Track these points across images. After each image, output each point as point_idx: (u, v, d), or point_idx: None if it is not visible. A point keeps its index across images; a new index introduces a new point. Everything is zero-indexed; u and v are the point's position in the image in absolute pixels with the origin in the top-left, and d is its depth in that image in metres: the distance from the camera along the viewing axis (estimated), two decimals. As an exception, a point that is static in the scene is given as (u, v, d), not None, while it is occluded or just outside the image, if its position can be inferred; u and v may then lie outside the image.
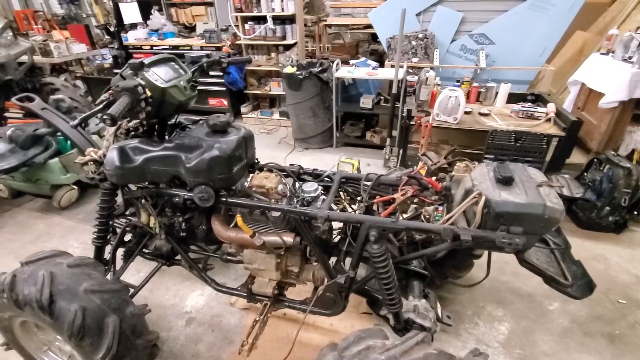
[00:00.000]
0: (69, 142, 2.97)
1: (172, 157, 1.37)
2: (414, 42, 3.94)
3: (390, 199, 1.43)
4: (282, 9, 4.30)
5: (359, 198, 1.57)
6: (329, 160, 3.94)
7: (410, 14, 3.97)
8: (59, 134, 2.84)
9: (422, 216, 1.44)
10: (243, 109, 5.03)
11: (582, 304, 2.08)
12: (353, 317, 2.02)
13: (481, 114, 3.28)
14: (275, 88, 4.80)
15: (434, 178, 1.44)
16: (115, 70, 5.00)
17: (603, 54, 3.00)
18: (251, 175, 1.59)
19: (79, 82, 5.19)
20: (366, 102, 3.91)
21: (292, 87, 3.83)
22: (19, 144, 2.69)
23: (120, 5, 4.81)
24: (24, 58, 4.04)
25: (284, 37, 4.50)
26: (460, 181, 1.41)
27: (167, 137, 1.57)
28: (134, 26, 4.91)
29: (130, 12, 4.76)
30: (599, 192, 2.61)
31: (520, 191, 1.14)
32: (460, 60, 4.10)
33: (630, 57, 2.73)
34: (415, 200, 1.45)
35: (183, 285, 2.28)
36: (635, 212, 2.61)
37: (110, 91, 1.20)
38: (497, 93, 3.50)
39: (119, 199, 1.65)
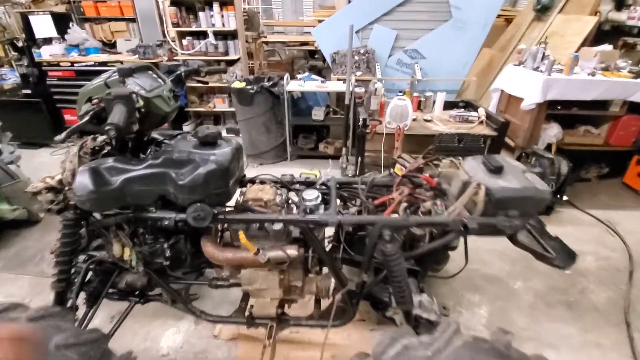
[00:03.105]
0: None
1: (159, 175, 1.22)
2: (356, 57, 4.17)
3: (389, 199, 1.47)
4: (223, 25, 4.20)
5: (354, 202, 1.58)
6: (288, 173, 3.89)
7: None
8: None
9: (419, 212, 1.50)
10: (185, 128, 4.72)
11: (538, 280, 2.36)
12: (347, 327, 1.99)
13: (426, 120, 3.58)
14: (220, 105, 4.62)
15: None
16: (25, 91, 4.30)
17: (516, 65, 3.54)
18: (241, 189, 1.50)
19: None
20: (318, 114, 3.99)
21: (243, 102, 3.73)
22: None
23: (31, 18, 4.20)
24: None
25: (226, 53, 4.39)
26: (449, 176, 1.51)
27: (141, 155, 1.39)
28: (48, 41, 4.31)
29: (43, 26, 4.18)
30: (531, 181, 3.02)
31: (512, 178, 1.27)
32: (397, 73, 4.45)
33: (537, 67, 3.27)
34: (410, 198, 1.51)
35: (152, 325, 2.00)
36: (559, 196, 3.08)
37: (94, 100, 1.03)
38: (434, 101, 3.87)
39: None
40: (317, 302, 1.62)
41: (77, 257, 1.48)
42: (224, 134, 4.74)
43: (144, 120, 1.17)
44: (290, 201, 1.50)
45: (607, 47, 3.34)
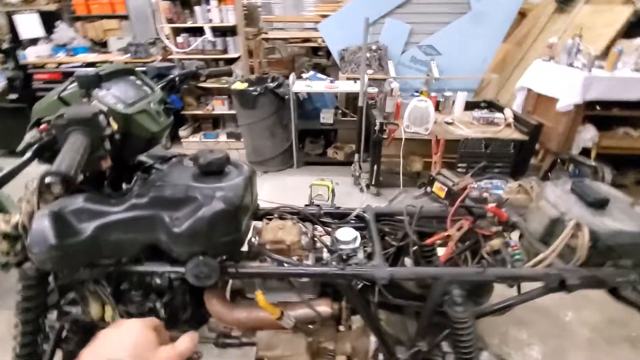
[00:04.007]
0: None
1: (145, 220, 0.90)
2: (367, 54, 3.83)
3: (444, 237, 1.15)
4: (222, 20, 3.85)
5: (393, 235, 1.26)
6: (293, 184, 3.57)
7: (359, 26, 3.87)
8: None
9: (482, 252, 1.17)
10: (182, 132, 4.38)
11: (593, 309, 2.05)
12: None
13: (447, 123, 3.25)
14: (219, 107, 4.28)
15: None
16: (11, 96, 3.94)
17: (546, 60, 3.22)
18: (254, 225, 1.17)
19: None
20: (327, 117, 3.65)
21: (245, 105, 3.39)
22: None
23: (15, 17, 3.83)
24: None
25: (225, 51, 4.04)
26: (518, 206, 1.19)
27: (124, 185, 1.06)
28: (34, 42, 3.94)
29: (29, 25, 3.81)
30: (570, 191, 2.71)
31: (620, 215, 0.95)
32: (411, 71, 4.12)
33: (571, 63, 2.95)
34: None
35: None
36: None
37: (43, 126, 0.70)
38: (453, 102, 3.55)
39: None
40: (351, 363, 1.29)
41: (45, 316, 1.15)
42: (223, 138, 4.41)
43: (122, 147, 0.84)
44: (316, 240, 1.18)
45: (648, 40, 3.02)
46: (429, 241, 1.13)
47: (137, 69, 0.98)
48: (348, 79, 3.83)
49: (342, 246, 1.06)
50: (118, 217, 0.89)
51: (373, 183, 3.26)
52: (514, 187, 1.25)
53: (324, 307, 1.07)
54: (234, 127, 4.42)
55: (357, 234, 1.08)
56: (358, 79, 3.71)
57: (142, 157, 1.14)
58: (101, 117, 0.69)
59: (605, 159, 3.03)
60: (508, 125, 3.15)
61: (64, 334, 1.23)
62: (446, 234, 1.14)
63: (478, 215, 1.20)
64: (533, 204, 1.13)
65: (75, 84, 0.74)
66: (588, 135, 3.03)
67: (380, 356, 1.19)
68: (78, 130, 0.66)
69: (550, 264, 0.95)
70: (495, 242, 1.12)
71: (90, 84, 0.73)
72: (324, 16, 4.82)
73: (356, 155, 3.45)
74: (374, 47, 3.83)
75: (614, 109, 2.88)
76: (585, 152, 3.09)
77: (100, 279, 1.02)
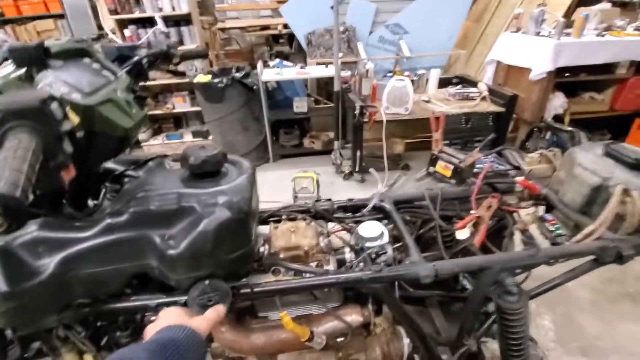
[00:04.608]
0: None
1: (128, 244, 0.69)
2: (334, 37, 3.66)
3: (474, 219, 1.03)
4: (173, 8, 3.50)
5: (414, 224, 1.13)
6: (272, 179, 3.35)
7: (324, 7, 3.68)
8: None
9: (513, 231, 1.08)
10: (141, 136, 3.98)
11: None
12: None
13: (424, 101, 3.19)
14: (180, 104, 3.93)
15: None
16: None
17: (513, 32, 3.24)
18: (259, 231, 0.99)
19: None
20: (300, 105, 3.46)
21: (211, 99, 3.11)
22: None
23: None
24: None
25: (181, 42, 3.69)
26: (542, 175, 1.11)
27: (90, 201, 0.83)
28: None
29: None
30: (550, 158, 2.76)
31: (664, 175, 0.88)
32: (380, 52, 4.01)
33: (539, 32, 2.98)
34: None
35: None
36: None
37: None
38: (427, 80, 3.50)
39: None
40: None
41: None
42: (189, 138, 4.07)
43: (86, 150, 0.63)
44: (329, 238, 1.02)
45: (605, 6, 3.12)
46: (459, 225, 1.01)
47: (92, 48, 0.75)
48: (318, 64, 3.65)
49: (369, 244, 0.91)
50: (89, 244, 0.68)
51: (357, 170, 3.14)
52: (535, 157, 1.16)
53: (355, 316, 0.92)
54: (199, 124, 4.10)
55: (383, 228, 0.93)
56: (328, 63, 3.55)
57: (109, 163, 0.91)
58: (54, 106, 0.48)
59: (576, 124, 3.13)
60: (483, 98, 3.14)
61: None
62: (476, 215, 1.03)
63: (503, 191, 1.10)
64: (561, 173, 1.04)
65: (9, 63, 0.51)
66: (558, 102, 3.10)
67: (417, 358, 1.07)
68: (21, 127, 0.44)
69: (600, 238, 0.87)
70: (528, 219, 1.03)
71: (32, 61, 0.51)
72: (281, 2, 4.56)
73: (336, 143, 3.30)
74: (341, 29, 3.67)
75: (581, 75, 2.95)
76: (557, 119, 3.17)
77: (72, 323, 0.79)
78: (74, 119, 0.52)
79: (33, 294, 0.64)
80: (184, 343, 0.54)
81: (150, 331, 0.58)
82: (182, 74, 0.91)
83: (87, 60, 0.73)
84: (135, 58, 0.89)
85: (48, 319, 0.71)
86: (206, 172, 0.77)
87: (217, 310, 0.68)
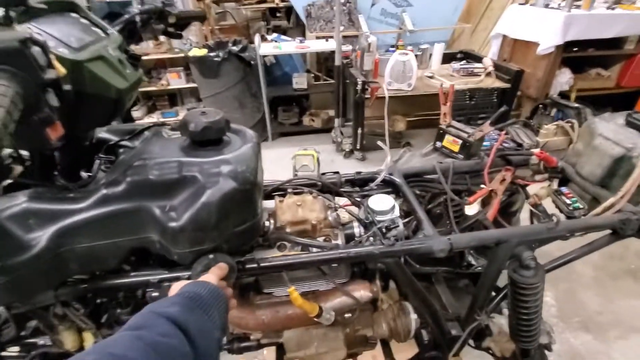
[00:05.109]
0: None
1: (126, 216, 0.64)
2: (336, 8, 3.51)
3: (487, 193, 0.99)
4: (165, -24, 3.31)
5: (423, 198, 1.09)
6: (271, 158, 3.28)
7: (324, -23, 3.51)
8: None
9: (523, 203, 1.04)
10: (135, 114, 3.87)
11: (591, 248, 2.08)
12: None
13: (428, 77, 3.10)
14: (175, 80, 3.79)
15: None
16: None
17: (521, 4, 3.12)
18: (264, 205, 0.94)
19: None
20: (300, 81, 3.35)
21: (207, 74, 3.00)
22: None
23: None
24: None
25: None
26: (558, 148, 1.06)
27: (83, 173, 0.78)
28: None
29: None
30: (555, 136, 2.71)
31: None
32: (382, 25, 3.86)
33: (548, 5, 2.86)
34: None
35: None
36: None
37: None
38: (430, 55, 3.39)
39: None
40: (386, 344, 1.15)
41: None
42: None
43: (76, 112, 0.57)
44: (337, 212, 0.97)
45: (617, -23, 2.98)
46: (471, 199, 0.97)
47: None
48: (318, 37, 3.51)
49: (380, 217, 0.87)
50: (84, 216, 0.63)
51: (357, 148, 3.08)
52: (551, 129, 1.11)
53: (363, 292, 0.89)
54: (195, 101, 3.99)
55: (394, 201, 0.89)
56: (329, 37, 3.42)
57: (102, 133, 0.85)
58: (36, 50, 0.42)
59: (581, 102, 3.07)
60: (488, 74, 3.06)
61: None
62: (488, 189, 0.99)
63: (517, 164, 1.05)
64: (579, 145, 0.99)
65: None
66: (565, 78, 3.02)
67: (425, 334, 1.06)
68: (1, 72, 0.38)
69: (621, 211, 0.83)
70: (542, 192, 0.99)
71: (12, 0, 0.43)
72: (278, -29, 4.34)
73: (336, 120, 3.22)
74: (342, 0, 3.51)
75: (589, 49, 2.86)
76: (562, 96, 3.09)
77: (70, 300, 0.76)
78: (60, 69, 0.46)
79: (25, 268, 0.59)
80: (208, 297, 0.55)
81: (173, 290, 0.58)
82: (179, 36, 0.83)
83: (74, 15, 0.65)
84: (126, 16, 0.81)
85: (43, 295, 0.68)
86: (208, 139, 0.71)
87: (220, 267, 0.66)
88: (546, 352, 1.09)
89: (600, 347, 1.56)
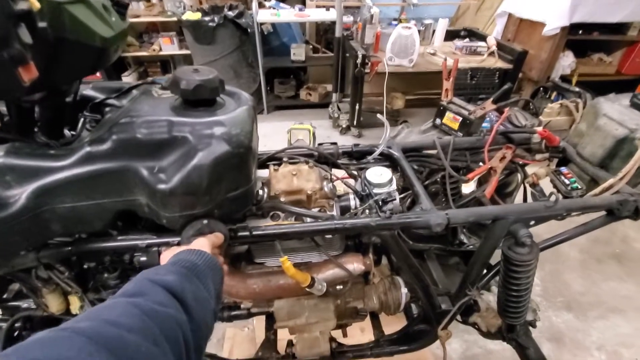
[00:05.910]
0: None
1: (111, 175, 0.61)
2: (338, -24, 3.34)
3: (487, 170, 0.97)
4: None
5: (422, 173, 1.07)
6: (265, 131, 3.21)
7: (327, -59, 3.32)
8: None
9: (521, 183, 1.03)
10: (125, 80, 3.73)
11: (579, 232, 2.12)
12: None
13: (430, 54, 3.02)
14: (168, 46, 3.63)
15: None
16: None
17: (531, -19, 3.01)
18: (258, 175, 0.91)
19: None
20: (298, 52, 3.23)
21: (201, 40, 2.87)
22: None
23: None
24: None
25: (166, -28, 3.32)
26: (559, 127, 1.04)
27: (66, 131, 0.73)
28: None
29: None
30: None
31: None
32: (385, -3, 3.71)
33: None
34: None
35: None
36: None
37: None
38: (434, 31, 3.28)
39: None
40: (375, 317, 1.17)
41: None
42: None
43: (55, 59, 0.52)
44: (333, 183, 0.95)
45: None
46: (471, 175, 0.96)
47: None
48: (318, 6, 3.37)
49: (377, 190, 0.85)
50: (66, 175, 0.59)
51: (354, 124, 3.03)
52: (555, 108, 1.09)
53: (357, 265, 0.88)
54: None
55: (391, 174, 0.87)
56: (330, 6, 3.28)
57: (88, 91, 0.80)
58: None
59: (582, 87, 3.03)
60: (491, 54, 2.99)
61: (16, 333, 0.95)
62: (488, 166, 0.97)
63: (519, 142, 1.03)
64: (582, 125, 0.97)
65: None
66: (567, 61, 2.97)
67: (414, 308, 1.07)
68: None
69: (620, 191, 0.82)
70: (541, 172, 0.98)
71: None
72: None
73: (334, 95, 3.15)
74: (345, -32, 3.33)
75: (594, 33, 2.79)
76: (563, 80, 3.05)
77: (53, 263, 0.73)
78: (34, 2, 0.41)
79: (3, 227, 0.56)
80: (204, 267, 0.54)
81: (166, 257, 0.57)
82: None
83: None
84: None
85: (24, 257, 0.65)
86: (201, 99, 0.67)
87: (217, 236, 0.65)
88: (530, 328, 1.12)
89: (580, 325, 1.62)
